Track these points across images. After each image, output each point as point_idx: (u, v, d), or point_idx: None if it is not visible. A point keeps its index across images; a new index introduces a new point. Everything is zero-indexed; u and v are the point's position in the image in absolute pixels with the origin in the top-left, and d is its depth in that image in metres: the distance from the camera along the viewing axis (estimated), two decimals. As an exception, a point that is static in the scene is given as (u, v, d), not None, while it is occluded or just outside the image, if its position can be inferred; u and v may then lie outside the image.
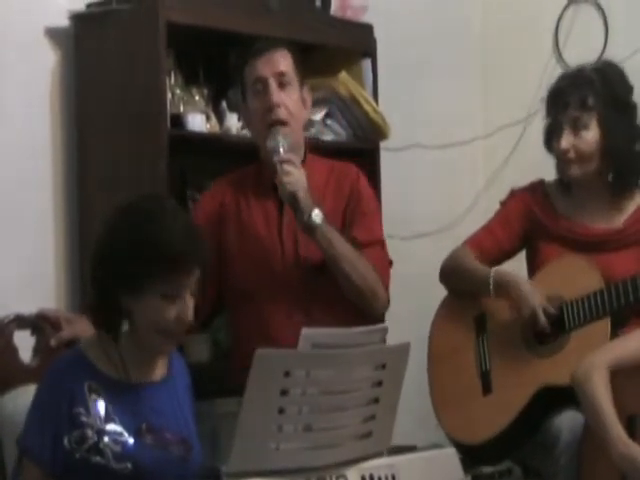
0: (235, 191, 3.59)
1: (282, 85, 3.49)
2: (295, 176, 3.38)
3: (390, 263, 3.65)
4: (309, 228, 3.39)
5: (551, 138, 3.73)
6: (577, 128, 3.65)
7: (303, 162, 3.53)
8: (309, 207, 3.37)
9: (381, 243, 3.64)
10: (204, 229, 3.40)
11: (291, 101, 3.51)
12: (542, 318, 3.58)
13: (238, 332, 3.58)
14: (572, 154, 3.65)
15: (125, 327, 2.77)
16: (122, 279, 2.71)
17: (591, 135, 3.66)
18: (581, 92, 3.64)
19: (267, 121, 3.47)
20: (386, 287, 3.58)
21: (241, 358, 3.38)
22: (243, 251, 3.52)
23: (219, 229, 3.54)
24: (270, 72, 3.48)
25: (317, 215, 3.37)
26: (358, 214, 3.59)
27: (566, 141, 3.65)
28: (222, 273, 3.54)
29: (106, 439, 2.66)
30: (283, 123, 3.47)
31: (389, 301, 3.57)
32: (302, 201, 3.36)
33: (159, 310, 2.71)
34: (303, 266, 3.50)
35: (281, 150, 3.42)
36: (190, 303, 2.73)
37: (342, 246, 3.44)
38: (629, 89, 3.73)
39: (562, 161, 3.69)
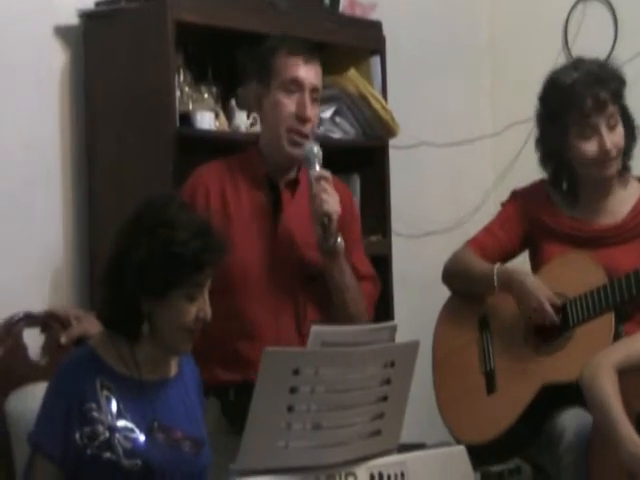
0: (219, 179, 3.53)
1: (314, 100, 3.49)
2: (333, 197, 3.36)
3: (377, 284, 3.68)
4: (332, 253, 3.38)
5: (565, 142, 3.70)
6: (611, 124, 3.65)
7: (298, 172, 3.53)
8: (337, 232, 3.36)
9: (375, 279, 3.66)
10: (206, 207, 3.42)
11: (316, 117, 3.54)
12: (549, 308, 3.59)
13: (219, 333, 3.37)
14: (614, 152, 3.65)
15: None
16: (144, 286, 2.71)
17: (621, 130, 3.68)
18: (610, 88, 3.64)
19: (292, 127, 3.45)
20: (369, 320, 3.55)
21: (222, 360, 3.41)
22: (235, 242, 3.34)
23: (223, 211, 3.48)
24: (309, 83, 3.46)
25: (340, 242, 3.37)
26: (356, 242, 3.62)
27: (609, 140, 3.63)
28: None
29: (117, 435, 2.68)
30: (307, 137, 3.47)
31: None
32: (334, 224, 3.35)
33: (182, 311, 2.73)
34: (298, 268, 3.48)
35: (317, 165, 3.41)
36: (207, 299, 2.76)
37: (350, 277, 3.46)
38: (624, 80, 3.74)
39: (602, 161, 3.67)
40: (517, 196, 3.90)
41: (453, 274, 3.89)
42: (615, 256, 3.65)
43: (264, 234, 3.51)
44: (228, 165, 3.57)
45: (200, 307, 2.74)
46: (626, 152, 3.73)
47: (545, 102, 3.79)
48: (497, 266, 3.74)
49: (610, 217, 3.75)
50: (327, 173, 3.40)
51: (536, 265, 3.83)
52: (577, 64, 3.79)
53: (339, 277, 3.44)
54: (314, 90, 3.49)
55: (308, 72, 3.48)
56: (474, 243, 3.87)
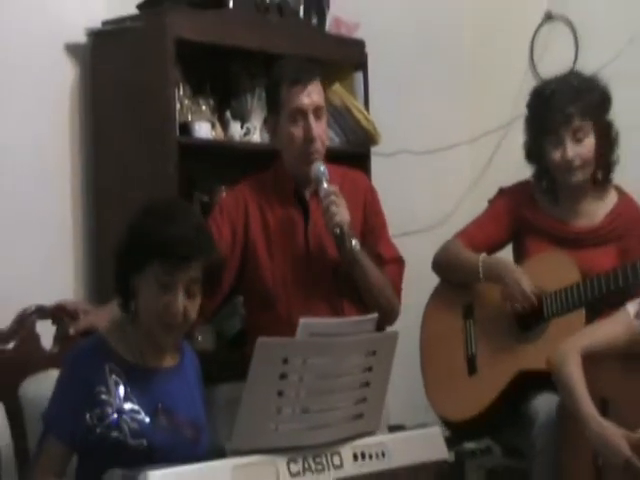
0: (256, 197, 3.55)
1: (318, 117, 3.48)
2: (342, 209, 3.38)
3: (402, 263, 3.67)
4: (350, 257, 3.41)
5: (541, 150, 3.70)
6: (578, 138, 3.63)
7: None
8: (351, 237, 3.39)
9: (400, 260, 3.65)
10: (228, 226, 3.44)
11: (323, 132, 3.52)
12: (530, 295, 3.60)
13: (260, 330, 3.43)
14: (578, 162, 3.64)
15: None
16: (129, 259, 2.75)
17: (590, 142, 3.65)
18: (580, 104, 3.63)
19: (305, 150, 3.46)
20: (399, 300, 3.61)
21: None
22: (270, 253, 3.48)
23: (244, 229, 3.50)
24: (310, 106, 3.45)
25: (356, 245, 3.40)
26: (379, 229, 3.63)
27: (572, 151, 3.63)
28: (243, 271, 3.51)
29: (124, 417, 2.68)
30: (319, 153, 3.48)
31: (399, 311, 3.59)
32: (347, 232, 3.38)
33: (152, 295, 2.72)
34: (331, 269, 3.49)
35: (325, 182, 3.43)
36: (181, 299, 2.71)
37: (374, 273, 3.48)
38: (609, 95, 3.73)
39: (566, 170, 3.66)
40: (504, 193, 3.90)
41: (442, 264, 3.88)
42: (590, 257, 3.65)
43: (298, 244, 3.52)
44: (261, 183, 3.59)
45: (170, 301, 2.70)
46: (604, 162, 3.71)
47: (529, 109, 3.79)
48: (482, 257, 3.75)
49: (587, 220, 3.75)
50: (334, 188, 3.43)
51: (518, 259, 3.84)
52: (563, 77, 3.80)
53: (362, 276, 3.46)
54: (317, 109, 3.48)
55: (309, 96, 3.47)
56: (463, 235, 3.86)
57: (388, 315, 3.46)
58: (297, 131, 3.45)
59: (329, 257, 3.49)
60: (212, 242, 2.83)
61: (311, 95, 3.47)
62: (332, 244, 3.45)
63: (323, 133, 3.52)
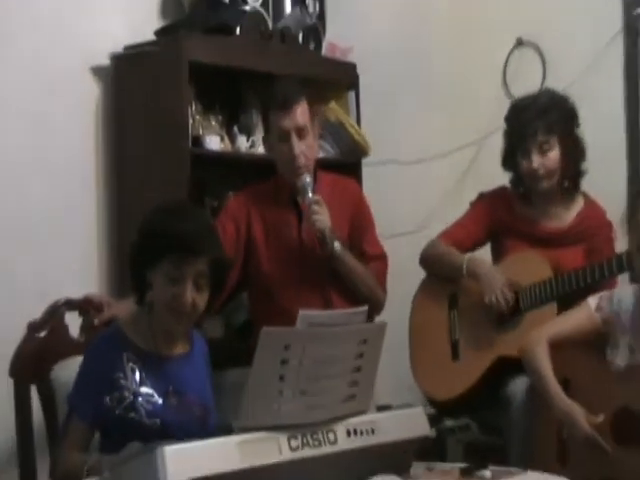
0: (258, 201, 3.58)
1: (301, 136, 3.49)
2: (323, 215, 3.43)
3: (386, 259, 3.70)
4: (333, 257, 3.45)
5: (515, 159, 3.71)
6: (543, 150, 3.64)
7: (315, 178, 3.55)
8: (332, 240, 3.43)
9: (384, 257, 3.68)
10: (233, 228, 3.46)
11: (308, 148, 3.52)
12: (502, 300, 3.60)
13: (262, 318, 3.51)
14: (542, 171, 3.64)
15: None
16: (142, 256, 2.75)
17: (555, 154, 3.65)
18: (545, 120, 3.63)
19: (291, 165, 3.49)
20: (384, 292, 3.64)
21: None
22: (269, 251, 3.52)
23: (247, 230, 3.53)
24: (292, 126, 3.47)
25: (338, 246, 3.44)
26: (365, 229, 3.65)
27: (536, 162, 3.63)
28: (247, 268, 3.54)
29: (140, 399, 2.69)
30: (304, 167, 3.49)
31: (384, 302, 3.61)
32: (328, 236, 3.42)
33: (163, 287, 2.72)
34: (322, 264, 3.50)
35: (309, 192, 3.46)
36: (189, 291, 2.71)
37: (356, 267, 3.51)
38: (575, 112, 3.73)
39: (532, 178, 3.67)
40: (483, 197, 3.89)
41: (429, 260, 3.86)
42: (561, 256, 3.64)
43: (292, 242, 3.55)
44: (262, 190, 3.63)
45: (180, 292, 2.70)
46: (570, 172, 3.70)
47: (506, 122, 3.79)
48: (467, 257, 3.74)
49: (558, 222, 3.74)
50: (317, 197, 3.46)
51: (496, 256, 3.83)
52: (536, 95, 3.80)
53: (346, 272, 3.50)
54: (299, 129, 3.49)
55: (291, 119, 3.47)
56: (448, 235, 3.84)
57: (372, 305, 3.45)
58: (283, 149, 3.48)
59: (319, 254, 3.50)
60: (218, 239, 2.84)
61: (293, 117, 3.48)
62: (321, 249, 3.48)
63: (307, 149, 3.51)
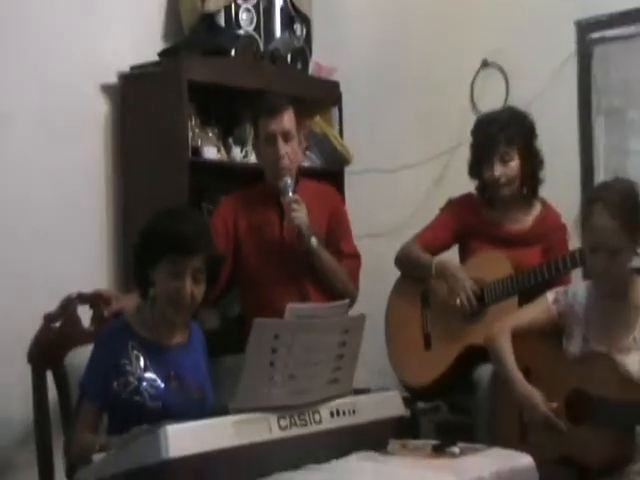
0: (245, 203, 3.59)
1: (286, 140, 3.49)
2: (301, 213, 3.43)
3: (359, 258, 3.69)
4: (309, 251, 3.44)
5: (480, 169, 3.71)
6: (505, 160, 3.64)
7: (297, 182, 3.54)
8: (309, 235, 3.42)
9: (358, 256, 3.68)
10: (223, 227, 3.46)
11: (292, 151, 3.52)
12: (466, 300, 3.61)
13: (249, 308, 3.55)
14: (503, 179, 3.65)
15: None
16: (145, 256, 2.76)
17: (515, 164, 3.66)
18: (506, 134, 3.64)
19: (276, 166, 3.49)
20: (357, 288, 3.63)
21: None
22: (254, 247, 3.52)
23: (235, 229, 3.54)
24: (279, 130, 3.48)
25: (314, 241, 3.43)
26: (341, 230, 3.64)
27: (498, 171, 3.64)
28: (236, 263, 3.54)
29: (144, 384, 2.69)
30: (287, 169, 3.49)
31: (357, 296, 3.60)
32: (305, 231, 3.42)
33: (165, 282, 2.72)
34: (301, 259, 3.50)
35: (290, 192, 3.46)
36: (189, 284, 2.71)
37: (330, 262, 3.50)
38: (533, 126, 3.73)
39: (495, 185, 3.68)
40: (452, 203, 3.89)
41: (403, 262, 3.86)
42: (521, 255, 3.64)
43: (275, 239, 3.54)
44: (249, 193, 3.63)
45: (179, 286, 2.71)
46: (530, 179, 3.71)
47: (472, 135, 3.79)
48: (435, 259, 3.74)
49: (518, 225, 3.74)
50: (295, 197, 3.46)
51: (463, 256, 3.82)
52: (499, 111, 3.82)
53: (320, 265, 3.49)
54: (285, 133, 3.50)
55: (277, 124, 3.48)
56: (419, 238, 3.84)
57: (343, 297, 3.40)
58: (269, 151, 3.49)
59: (299, 251, 3.49)
60: (212, 238, 2.85)
61: (280, 122, 3.49)
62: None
63: (292, 152, 3.52)
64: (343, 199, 3.92)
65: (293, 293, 3.47)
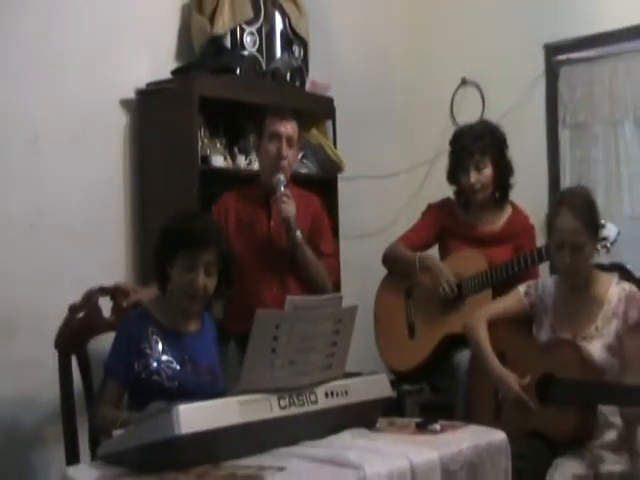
0: (237, 201, 3.57)
1: (289, 145, 3.50)
2: (290, 206, 3.41)
3: (337, 259, 3.69)
4: (295, 242, 3.42)
5: (457, 175, 3.71)
6: (479, 168, 3.64)
7: (286, 186, 3.52)
8: (295, 229, 3.40)
9: (336, 255, 3.68)
10: (217, 221, 3.43)
11: (291, 156, 3.53)
12: (448, 288, 3.62)
13: (233, 297, 3.46)
14: (478, 185, 3.65)
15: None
16: (163, 253, 2.77)
17: (488, 172, 3.66)
18: (481, 144, 3.64)
19: (274, 164, 3.48)
20: (333, 284, 3.60)
21: (236, 314, 3.41)
22: (242, 242, 3.46)
23: (225, 224, 3.49)
24: (285, 133, 3.48)
25: (299, 235, 3.41)
26: (322, 232, 3.62)
27: (473, 178, 3.64)
28: None
29: (162, 366, 2.69)
30: (284, 169, 3.49)
31: (331, 291, 3.56)
32: (292, 224, 3.40)
33: (179, 276, 2.73)
34: (284, 254, 3.48)
35: (282, 187, 3.44)
36: (201, 277, 2.72)
37: (311, 256, 3.47)
38: (504, 137, 3.73)
39: (471, 191, 3.67)
40: (432, 207, 3.89)
41: (389, 260, 3.86)
42: (494, 253, 3.64)
43: (262, 235, 3.52)
44: (240, 193, 3.60)
45: (193, 278, 2.71)
46: (501, 185, 3.71)
47: (450, 145, 3.79)
48: (418, 254, 3.74)
49: (491, 226, 3.74)
50: (286, 192, 3.45)
51: (443, 255, 3.82)
52: (474, 124, 3.81)
53: (302, 258, 3.45)
54: (289, 139, 3.50)
55: (284, 127, 3.49)
56: (404, 239, 3.84)
57: (321, 290, 3.44)
58: (272, 148, 3.48)
59: (283, 246, 3.48)
60: (221, 235, 2.84)
61: (287, 127, 3.50)
62: (286, 237, 3.46)
63: (291, 157, 3.53)
64: (324, 206, 3.89)
65: (275, 285, 3.46)
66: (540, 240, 3.68)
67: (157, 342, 2.71)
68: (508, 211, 3.77)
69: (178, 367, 2.71)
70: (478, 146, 3.63)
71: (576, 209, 3.00)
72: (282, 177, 3.47)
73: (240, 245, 3.45)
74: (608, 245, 3.30)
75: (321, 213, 3.69)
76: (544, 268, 3.71)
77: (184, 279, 2.72)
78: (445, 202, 3.85)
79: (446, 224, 3.79)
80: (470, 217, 3.76)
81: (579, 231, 2.99)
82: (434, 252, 3.88)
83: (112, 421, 2.53)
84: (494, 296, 3.50)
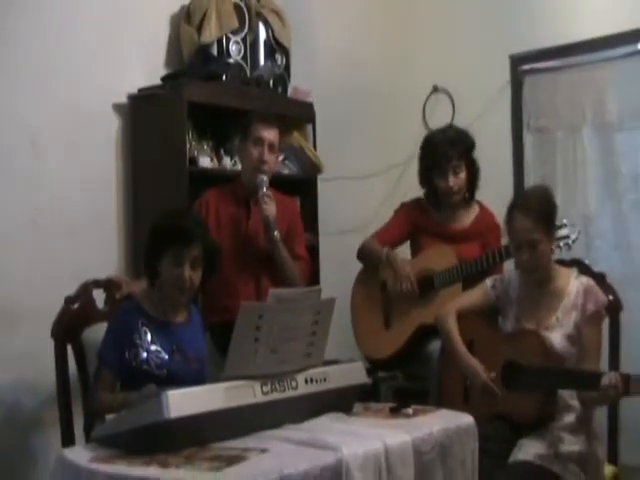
0: (218, 198, 3.55)
1: (270, 150, 3.49)
2: (271, 206, 3.41)
3: (308, 262, 3.67)
4: (272, 241, 3.41)
5: (430, 178, 3.71)
6: (456, 172, 3.65)
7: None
8: (274, 228, 3.40)
9: (307, 259, 3.65)
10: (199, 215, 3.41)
11: (272, 161, 3.52)
12: (403, 286, 3.62)
13: (211, 291, 3.35)
14: (455, 189, 3.66)
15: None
16: (152, 249, 2.77)
17: (464, 175, 3.67)
18: (457, 149, 3.65)
19: (256, 167, 3.47)
20: (308, 282, 3.60)
21: (211, 308, 3.39)
22: (219, 238, 3.34)
23: (207, 219, 3.44)
24: (267, 138, 3.48)
25: (277, 234, 3.41)
26: (296, 235, 3.62)
27: (452, 182, 3.65)
28: None
29: (151, 355, 2.69)
30: (265, 173, 3.47)
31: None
32: (272, 223, 3.39)
33: (168, 271, 2.74)
34: (260, 252, 3.46)
35: (264, 188, 3.43)
36: (187, 271, 2.72)
37: (287, 256, 3.46)
38: (474, 141, 3.74)
39: (449, 193, 3.68)
40: (404, 206, 3.89)
41: (363, 254, 3.85)
42: (463, 249, 3.65)
43: (240, 232, 3.50)
44: (222, 191, 3.58)
45: (180, 272, 2.72)
46: (471, 186, 3.72)
47: (422, 150, 3.79)
48: (385, 251, 3.74)
49: (460, 224, 3.75)
50: (268, 192, 3.44)
51: (415, 251, 3.83)
52: (445, 130, 3.80)
53: (278, 257, 3.44)
54: (271, 145, 3.49)
55: (268, 133, 3.49)
56: (377, 235, 3.84)
57: (292, 286, 3.41)
58: (255, 152, 3.47)
59: (261, 246, 3.47)
60: (207, 231, 2.84)
61: (270, 133, 3.49)
62: (263, 236, 3.44)
63: (272, 161, 3.52)
64: (305, 205, 3.86)
65: (250, 280, 3.44)
66: (505, 238, 3.69)
67: (146, 333, 2.71)
68: (476, 210, 3.78)
69: (167, 356, 2.71)
70: (455, 152, 3.64)
71: (527, 209, 3.01)
72: (265, 178, 3.46)
73: (220, 241, 3.44)
74: (570, 243, 3.32)
75: (297, 217, 3.68)
76: (509, 262, 3.72)
77: (172, 273, 2.72)
78: (417, 201, 3.86)
79: (418, 222, 3.79)
80: (441, 215, 3.77)
81: (532, 229, 3.00)
82: (405, 248, 3.89)
83: (108, 404, 2.56)
84: (464, 289, 3.51)
